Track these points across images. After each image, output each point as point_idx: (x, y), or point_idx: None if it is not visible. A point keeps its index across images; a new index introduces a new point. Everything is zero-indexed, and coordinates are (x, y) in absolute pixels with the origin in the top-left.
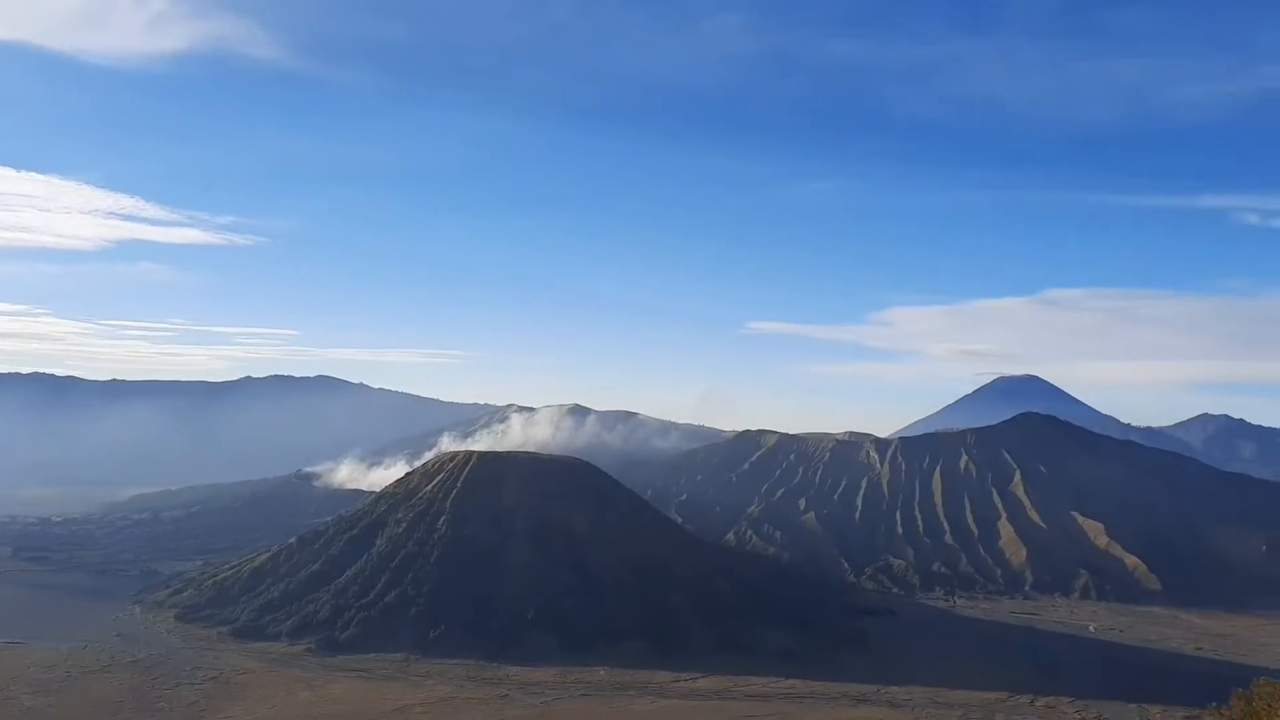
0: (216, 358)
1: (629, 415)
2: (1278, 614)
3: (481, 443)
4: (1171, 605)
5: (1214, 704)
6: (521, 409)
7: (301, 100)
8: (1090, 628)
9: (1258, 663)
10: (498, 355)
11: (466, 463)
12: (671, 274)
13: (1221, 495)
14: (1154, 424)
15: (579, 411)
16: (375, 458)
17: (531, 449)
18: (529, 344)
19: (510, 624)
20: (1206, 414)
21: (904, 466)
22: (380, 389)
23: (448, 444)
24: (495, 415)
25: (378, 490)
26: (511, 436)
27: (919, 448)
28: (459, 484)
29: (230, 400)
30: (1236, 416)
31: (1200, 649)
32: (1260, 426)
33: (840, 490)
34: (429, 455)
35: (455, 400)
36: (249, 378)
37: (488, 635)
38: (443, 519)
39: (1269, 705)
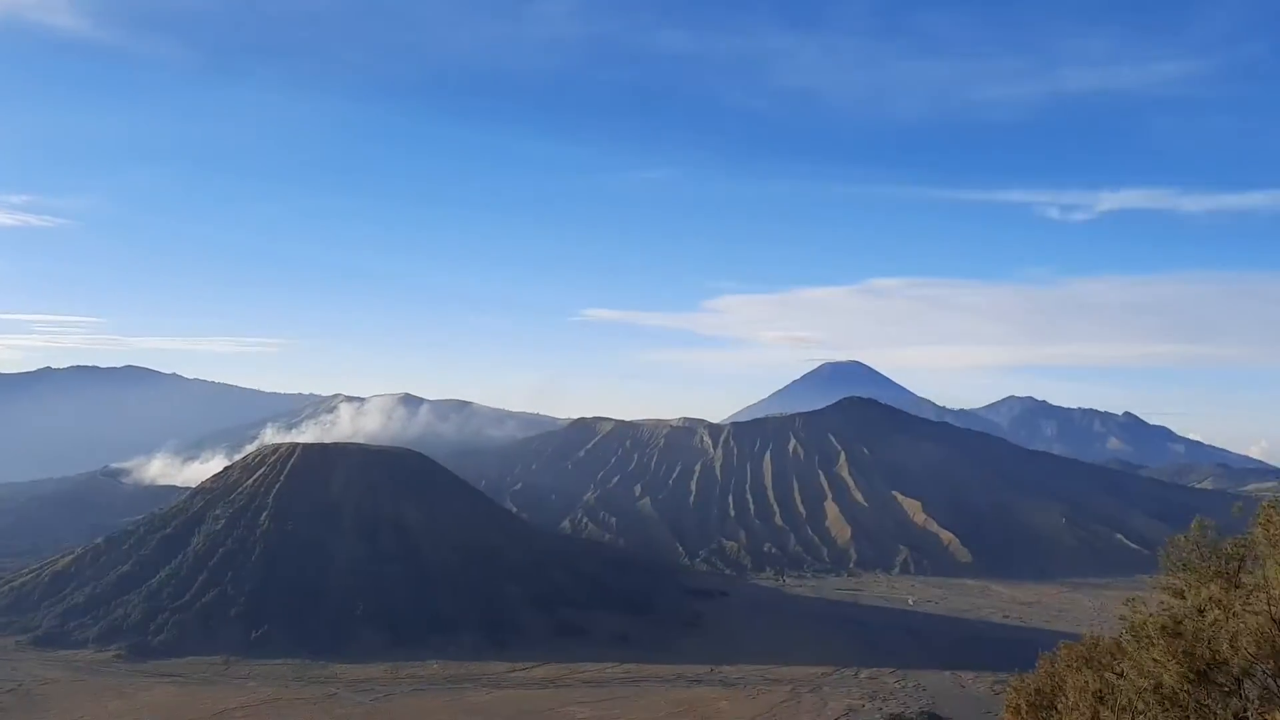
0: (11, 347)
1: (463, 404)
2: (1077, 581)
3: (308, 434)
4: (982, 576)
5: (1019, 669)
6: (350, 399)
7: (105, 73)
8: (909, 601)
9: (1060, 627)
10: (323, 344)
11: (290, 455)
12: (503, 261)
13: (1026, 471)
14: (966, 406)
15: (411, 401)
16: (191, 452)
17: (361, 440)
18: (356, 332)
19: (338, 620)
20: (1013, 396)
21: (736, 451)
22: (195, 379)
23: (271, 436)
24: (322, 406)
25: (194, 486)
26: (340, 427)
27: (750, 432)
28: (282, 477)
29: (27, 392)
30: (1039, 398)
31: (1008, 617)
32: (1059, 407)
33: (675, 475)
34: (250, 448)
35: (278, 390)
36: (48, 369)
37: (314, 633)
38: (265, 514)
39: (1069, 666)
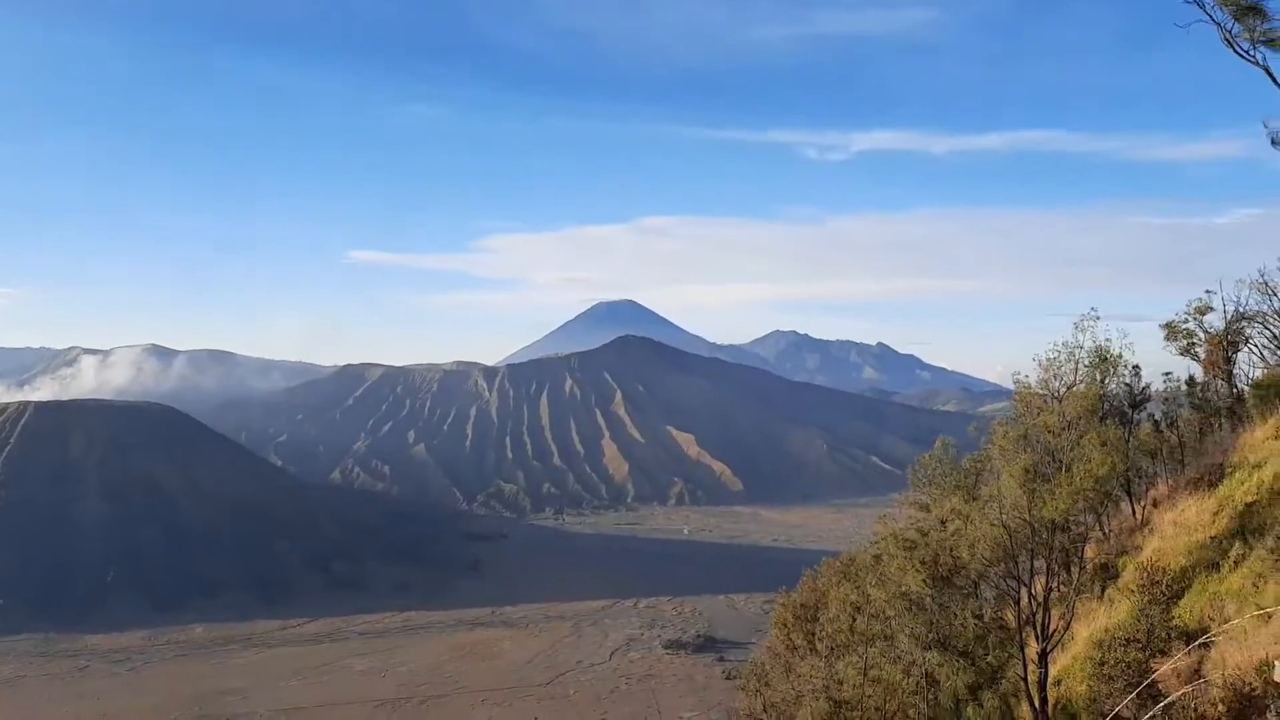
0: None
1: (224, 355)
2: (839, 503)
3: (44, 391)
4: (752, 503)
5: (787, 587)
6: (90, 352)
7: None
8: (684, 530)
9: (823, 546)
10: (54, 293)
11: (21, 415)
12: (259, 202)
13: (791, 402)
14: (735, 341)
15: (164, 353)
16: None
17: (109, 395)
18: (94, 281)
19: (88, 589)
20: (778, 330)
21: (512, 393)
22: None
23: (3, 395)
24: (57, 360)
25: None
26: (83, 382)
27: (526, 374)
28: (12, 440)
29: None
30: (802, 331)
31: (776, 540)
32: (820, 339)
33: (449, 420)
34: None
35: (2, 345)
36: None
37: (61, 604)
38: None
39: (830, 581)
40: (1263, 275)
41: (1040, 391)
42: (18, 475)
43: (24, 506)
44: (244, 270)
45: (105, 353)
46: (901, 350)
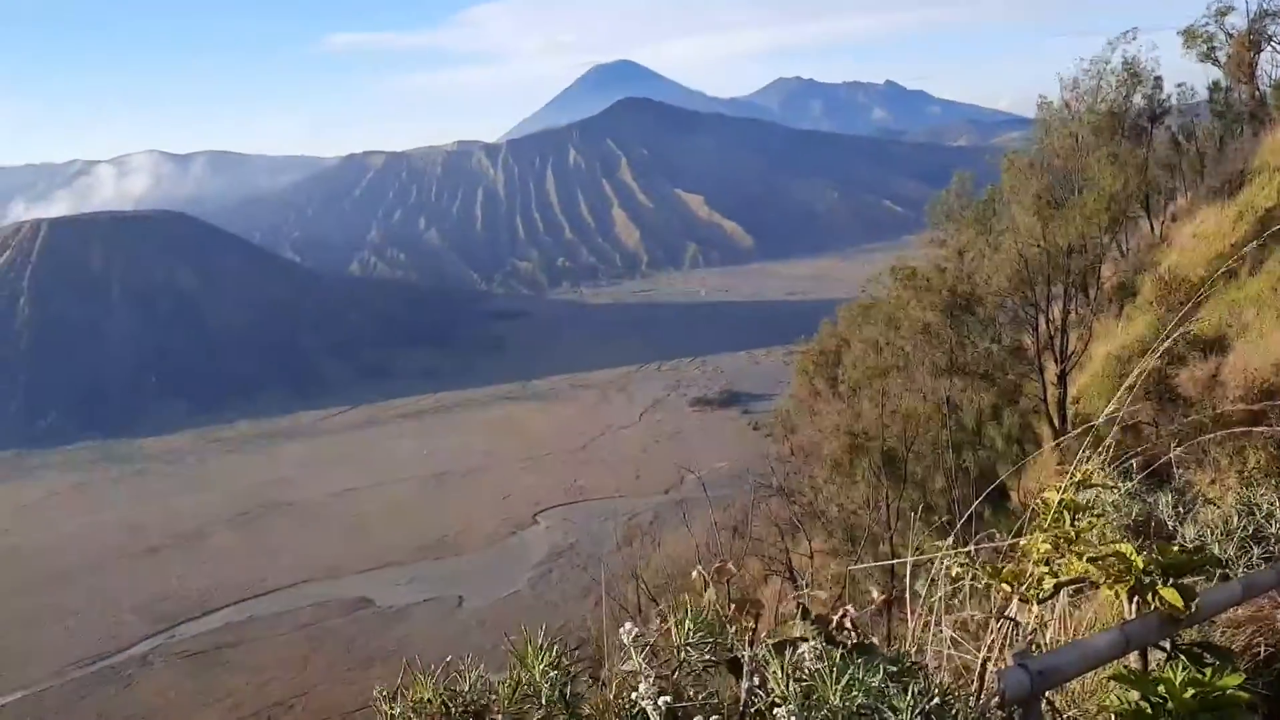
0: None
1: (232, 156)
2: (850, 251)
3: (61, 205)
4: (765, 259)
5: (806, 337)
6: (101, 162)
7: None
8: (701, 293)
9: (837, 295)
10: (35, 107)
11: (36, 234)
12: None
13: (798, 153)
14: (737, 94)
15: (175, 159)
16: None
17: (127, 206)
18: (80, 91)
19: (130, 397)
20: (781, 78)
21: (516, 170)
22: None
23: (24, 213)
24: (76, 171)
25: None
26: (101, 194)
27: (528, 149)
28: (34, 258)
29: None
30: (806, 77)
31: (792, 294)
32: (825, 84)
33: (457, 203)
34: None
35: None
36: None
37: (107, 413)
38: (23, 300)
39: (849, 325)
40: None
41: (1063, 114)
42: (45, 293)
43: (56, 323)
44: (228, 67)
45: (120, 160)
46: (910, 87)
